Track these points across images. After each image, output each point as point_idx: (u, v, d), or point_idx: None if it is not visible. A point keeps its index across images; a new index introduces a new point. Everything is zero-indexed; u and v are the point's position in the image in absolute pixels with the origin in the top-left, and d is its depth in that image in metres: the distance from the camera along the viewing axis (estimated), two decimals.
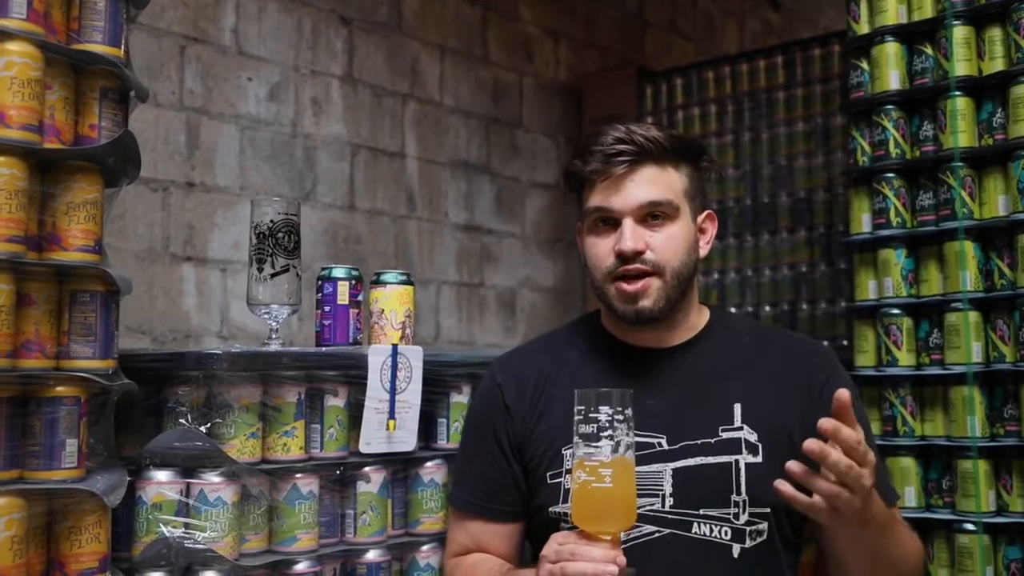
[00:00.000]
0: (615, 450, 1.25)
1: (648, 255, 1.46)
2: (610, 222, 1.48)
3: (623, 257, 1.45)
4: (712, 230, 1.58)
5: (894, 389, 2.38)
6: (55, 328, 1.35)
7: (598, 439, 1.25)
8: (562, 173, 1.58)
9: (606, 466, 1.24)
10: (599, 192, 1.49)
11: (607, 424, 1.24)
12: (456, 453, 1.71)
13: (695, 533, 1.44)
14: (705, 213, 1.57)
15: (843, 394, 1.25)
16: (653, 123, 1.56)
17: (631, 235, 1.45)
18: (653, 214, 1.47)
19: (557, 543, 1.29)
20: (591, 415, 1.25)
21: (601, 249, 1.49)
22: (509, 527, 1.57)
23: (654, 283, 1.46)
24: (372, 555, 1.70)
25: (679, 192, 1.50)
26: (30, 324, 1.32)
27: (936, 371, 2.32)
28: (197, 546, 1.48)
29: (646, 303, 1.46)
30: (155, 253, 2.81)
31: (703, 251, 1.56)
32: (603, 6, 4.46)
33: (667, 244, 1.47)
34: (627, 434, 1.26)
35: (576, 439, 1.27)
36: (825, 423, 1.24)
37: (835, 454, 1.23)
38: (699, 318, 1.59)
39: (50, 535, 1.33)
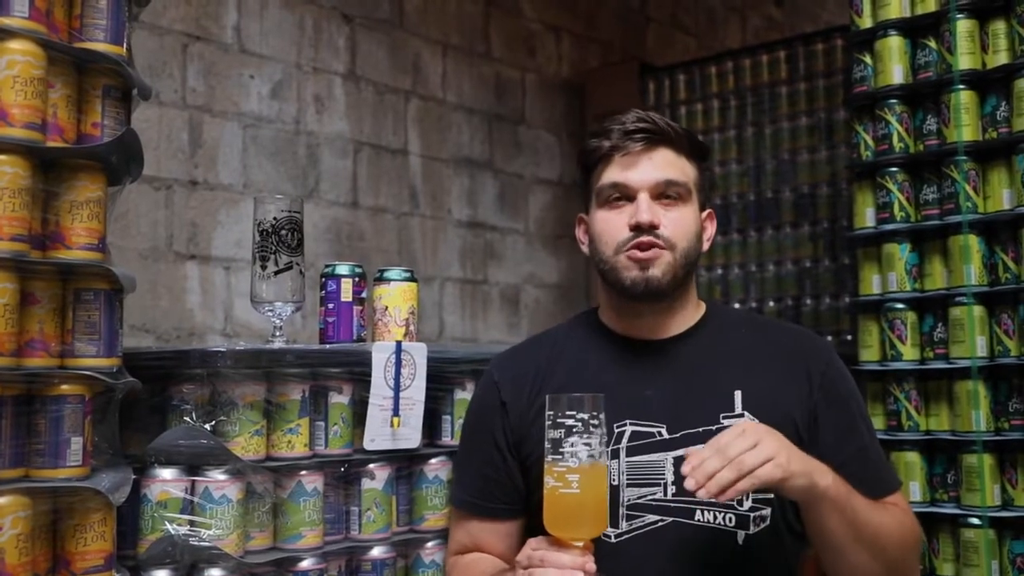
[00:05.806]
0: (585, 456, 1.24)
1: (662, 230, 1.48)
2: (624, 197, 1.50)
3: (638, 228, 1.47)
4: (711, 229, 1.61)
5: (898, 384, 2.38)
6: (59, 326, 1.35)
7: (567, 445, 1.24)
8: (578, 153, 1.60)
9: (574, 472, 1.23)
10: (616, 167, 1.51)
11: (577, 429, 1.24)
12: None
13: (698, 520, 1.43)
14: (706, 212, 1.59)
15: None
16: None
17: (647, 208, 1.47)
18: (667, 194, 1.50)
19: (531, 548, 1.29)
20: (559, 420, 1.24)
21: (614, 223, 1.50)
22: (507, 525, 1.57)
23: (665, 255, 1.48)
24: (377, 552, 1.70)
25: (691, 179, 1.53)
26: (34, 323, 1.32)
27: (940, 365, 2.32)
28: (202, 544, 1.49)
29: (656, 272, 1.48)
30: (159, 251, 2.81)
31: (704, 246, 1.58)
32: (605, 1, 4.45)
33: (679, 223, 1.50)
34: (599, 439, 1.25)
35: (547, 444, 1.26)
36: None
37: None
38: (696, 311, 1.60)
39: (56, 533, 1.33)
